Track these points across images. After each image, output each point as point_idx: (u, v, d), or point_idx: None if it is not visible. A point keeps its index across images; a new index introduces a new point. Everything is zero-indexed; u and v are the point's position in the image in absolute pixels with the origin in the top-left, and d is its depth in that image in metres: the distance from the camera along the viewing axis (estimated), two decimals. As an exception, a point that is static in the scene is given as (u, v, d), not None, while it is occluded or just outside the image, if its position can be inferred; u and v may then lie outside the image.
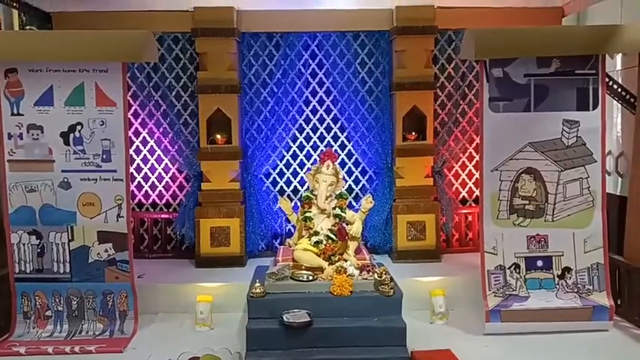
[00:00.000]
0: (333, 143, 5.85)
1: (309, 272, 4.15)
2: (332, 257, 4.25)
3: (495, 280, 4.27)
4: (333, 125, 5.85)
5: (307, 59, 5.72)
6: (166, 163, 5.80)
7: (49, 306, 4.31)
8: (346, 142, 5.84)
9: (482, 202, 4.32)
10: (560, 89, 4.30)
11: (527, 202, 4.32)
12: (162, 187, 5.86)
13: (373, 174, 5.84)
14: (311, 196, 4.54)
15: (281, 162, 5.88)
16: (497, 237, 4.28)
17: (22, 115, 4.17)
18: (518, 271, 4.29)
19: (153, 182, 5.85)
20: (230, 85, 5.37)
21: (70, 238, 4.27)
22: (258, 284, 4.00)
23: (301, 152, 5.89)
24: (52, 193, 4.23)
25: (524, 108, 4.30)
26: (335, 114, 5.82)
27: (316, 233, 4.34)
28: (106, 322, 4.31)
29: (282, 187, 5.91)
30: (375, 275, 4.01)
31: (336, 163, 4.61)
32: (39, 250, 4.28)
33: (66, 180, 4.23)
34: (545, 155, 4.28)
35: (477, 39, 4.11)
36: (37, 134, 4.18)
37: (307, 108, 5.84)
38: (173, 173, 5.84)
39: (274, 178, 5.91)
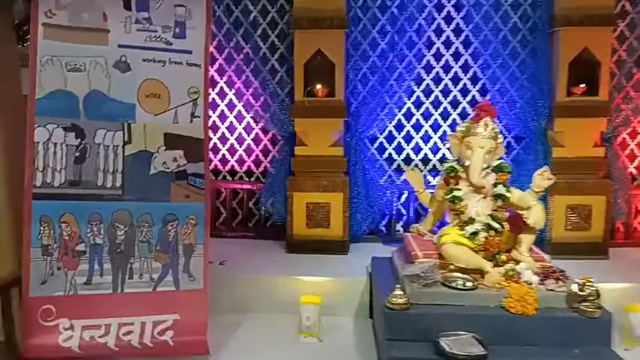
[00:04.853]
0: (461, 99, 4.53)
1: (466, 276, 2.93)
2: (497, 256, 3.00)
3: None
4: (462, 75, 4.51)
5: (431, -17, 4.37)
6: (248, 122, 4.70)
7: (81, 237, 2.99)
8: (479, 98, 4.49)
9: None
10: None
11: None
12: (243, 150, 4.77)
13: (513, 139, 4.48)
14: (457, 167, 3.26)
15: (390, 123, 4.61)
16: None
17: None
18: None
19: (232, 144, 4.78)
20: (335, 17, 4.10)
21: (125, 139, 3.02)
22: (399, 292, 2.81)
23: (418, 110, 4.60)
24: (105, 76, 2.97)
25: None
26: (466, 59, 4.47)
27: (472, 221, 3.09)
28: (165, 259, 3.08)
29: (390, 154, 4.66)
30: (574, 286, 2.73)
31: (495, 120, 3.28)
32: (78, 154, 2.99)
33: (124, 59, 2.98)
34: None
35: None
36: None
37: (429, 52, 4.50)
38: (257, 134, 4.74)
39: (381, 143, 4.66)
